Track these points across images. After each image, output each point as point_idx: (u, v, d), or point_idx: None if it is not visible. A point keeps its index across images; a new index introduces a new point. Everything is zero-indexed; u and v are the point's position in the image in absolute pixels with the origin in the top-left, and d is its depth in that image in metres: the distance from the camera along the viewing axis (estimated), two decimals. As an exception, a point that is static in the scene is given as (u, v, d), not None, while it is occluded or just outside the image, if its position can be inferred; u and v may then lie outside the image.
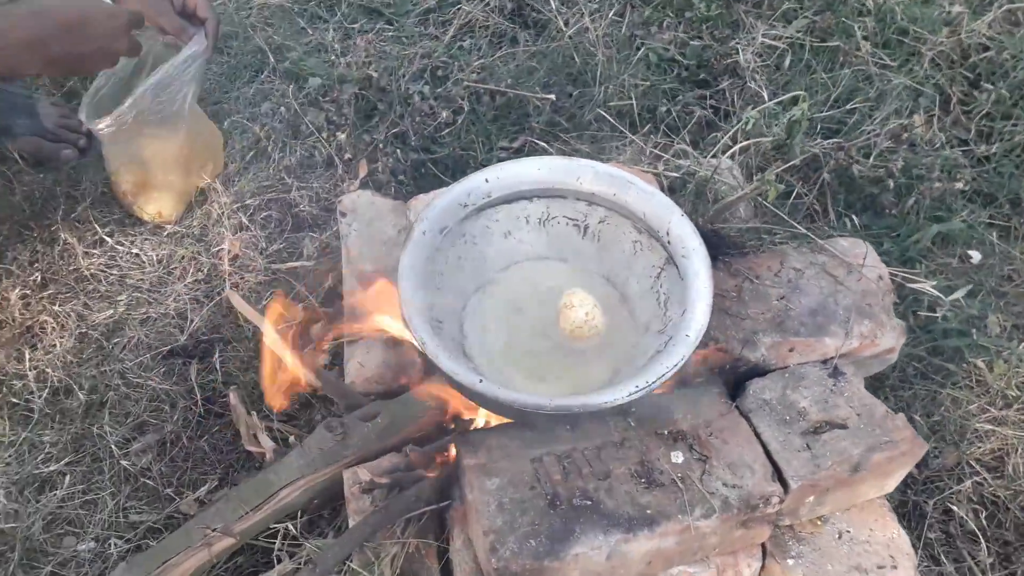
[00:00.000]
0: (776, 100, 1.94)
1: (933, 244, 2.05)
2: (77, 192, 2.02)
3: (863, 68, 2.25)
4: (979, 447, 1.76)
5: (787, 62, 2.28)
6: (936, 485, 1.72)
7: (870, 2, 2.41)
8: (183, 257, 1.97)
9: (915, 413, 1.80)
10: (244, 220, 2.00)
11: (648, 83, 2.16)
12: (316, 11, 2.50)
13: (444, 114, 2.09)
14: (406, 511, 1.39)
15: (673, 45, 2.30)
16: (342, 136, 2.01)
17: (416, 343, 1.27)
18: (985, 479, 1.73)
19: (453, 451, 1.42)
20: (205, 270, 1.94)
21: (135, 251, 1.96)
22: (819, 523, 1.44)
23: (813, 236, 1.61)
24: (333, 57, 2.32)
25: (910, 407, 1.82)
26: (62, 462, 1.64)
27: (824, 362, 1.50)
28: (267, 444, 1.64)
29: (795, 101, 1.74)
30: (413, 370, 1.63)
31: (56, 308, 1.84)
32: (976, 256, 2.08)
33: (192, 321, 1.85)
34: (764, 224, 1.64)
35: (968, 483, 1.71)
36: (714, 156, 1.71)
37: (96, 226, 1.96)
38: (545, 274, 1.57)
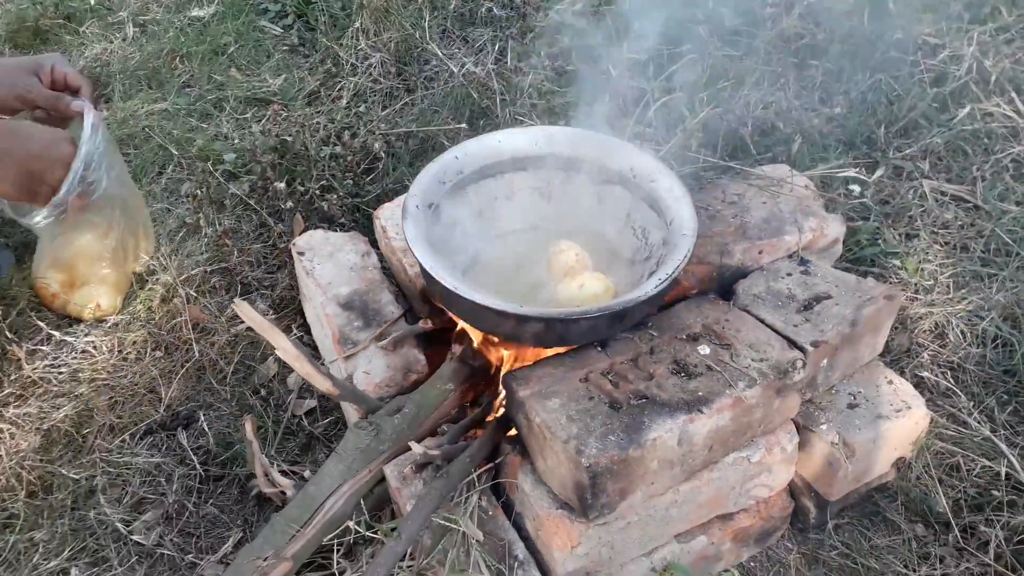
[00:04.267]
0: (673, 69, 2.19)
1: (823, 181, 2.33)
2: (4, 302, 1.90)
3: (716, 62, 2.57)
4: (921, 326, 1.97)
5: (651, 69, 2.56)
6: (900, 363, 1.90)
7: (700, 15, 2.78)
8: (134, 341, 1.88)
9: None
10: (191, 292, 1.96)
11: (544, 102, 2.36)
12: (205, 109, 2.55)
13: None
14: (465, 473, 1.37)
15: (551, 73, 2.53)
16: (280, 185, 2.03)
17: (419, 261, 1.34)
18: (937, 350, 1.93)
19: (498, 408, 1.44)
20: (163, 347, 1.87)
21: (81, 347, 1.85)
22: (834, 392, 1.56)
23: (742, 166, 1.81)
24: (236, 141, 2.36)
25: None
26: (61, 557, 1.48)
27: (790, 256, 1.66)
28: (284, 482, 1.56)
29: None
30: (419, 365, 1.64)
31: (10, 413, 1.69)
32: (857, 188, 2.38)
33: (165, 396, 1.76)
34: (696, 166, 1.82)
35: (925, 355, 1.90)
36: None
37: (41, 324, 1.85)
38: (523, 244, 1.66)
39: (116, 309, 1.94)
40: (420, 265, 1.36)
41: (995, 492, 1.57)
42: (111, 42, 2.81)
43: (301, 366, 1.45)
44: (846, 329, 1.48)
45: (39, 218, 1.72)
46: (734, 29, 2.74)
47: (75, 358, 1.84)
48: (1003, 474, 1.58)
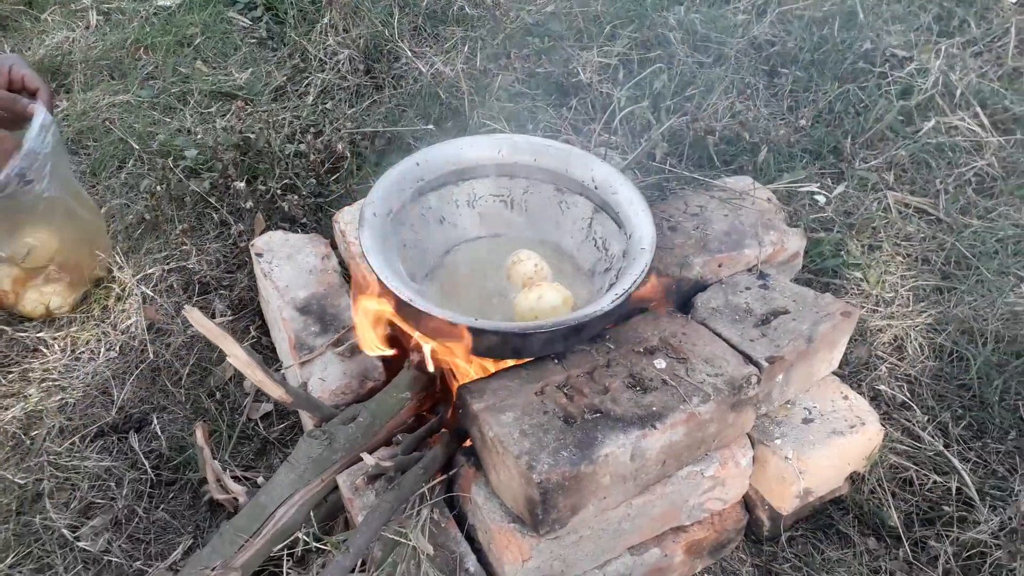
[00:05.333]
0: (641, 76, 2.18)
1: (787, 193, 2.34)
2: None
3: (685, 68, 2.57)
4: (880, 339, 1.99)
5: (620, 75, 2.56)
6: (858, 375, 1.92)
7: (672, 20, 2.77)
8: (87, 341, 1.84)
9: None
10: (148, 291, 1.92)
11: (513, 105, 2.34)
12: (168, 102, 2.50)
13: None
14: (418, 485, 1.36)
15: (521, 75, 2.51)
16: (240, 184, 2.00)
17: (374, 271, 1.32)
18: (895, 363, 1.95)
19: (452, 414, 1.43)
20: (117, 347, 1.83)
21: (32, 345, 1.81)
22: (789, 407, 1.57)
23: (704, 178, 1.81)
24: (199, 136, 2.32)
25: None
26: (4, 564, 1.45)
27: (749, 270, 1.66)
28: (236, 488, 1.54)
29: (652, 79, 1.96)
30: (376, 372, 1.62)
31: (-44, 414, 1.65)
32: (822, 199, 2.39)
33: (117, 398, 1.73)
34: (660, 176, 1.82)
35: (883, 368, 1.92)
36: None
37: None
38: (484, 251, 1.64)
39: (68, 308, 1.90)
40: (376, 276, 1.34)
41: (946, 507, 1.59)
42: (73, 30, 2.75)
43: (253, 373, 1.43)
44: (802, 345, 1.48)
45: None
46: (705, 35, 2.74)
47: (25, 356, 1.80)
48: (954, 489, 1.60)
